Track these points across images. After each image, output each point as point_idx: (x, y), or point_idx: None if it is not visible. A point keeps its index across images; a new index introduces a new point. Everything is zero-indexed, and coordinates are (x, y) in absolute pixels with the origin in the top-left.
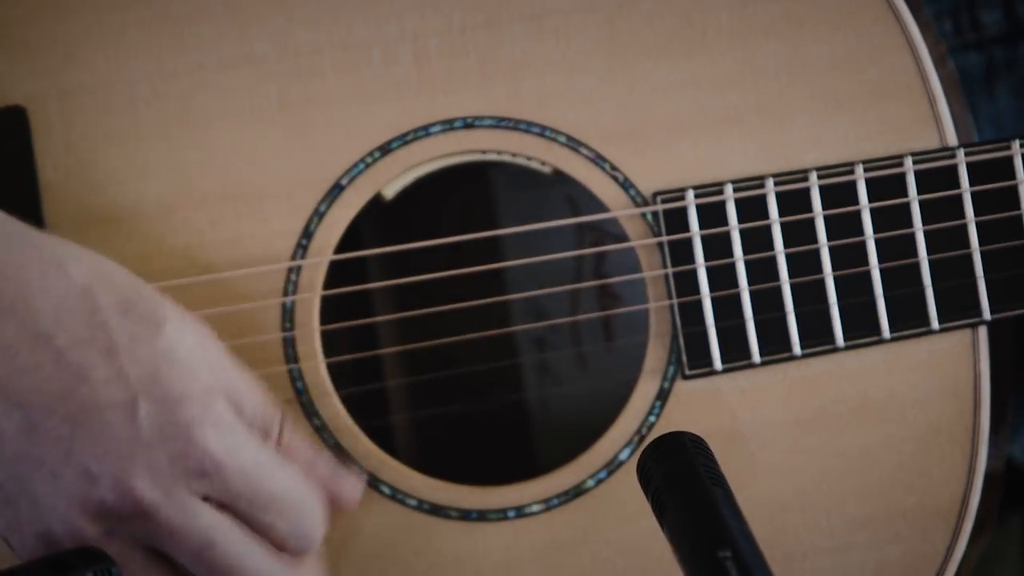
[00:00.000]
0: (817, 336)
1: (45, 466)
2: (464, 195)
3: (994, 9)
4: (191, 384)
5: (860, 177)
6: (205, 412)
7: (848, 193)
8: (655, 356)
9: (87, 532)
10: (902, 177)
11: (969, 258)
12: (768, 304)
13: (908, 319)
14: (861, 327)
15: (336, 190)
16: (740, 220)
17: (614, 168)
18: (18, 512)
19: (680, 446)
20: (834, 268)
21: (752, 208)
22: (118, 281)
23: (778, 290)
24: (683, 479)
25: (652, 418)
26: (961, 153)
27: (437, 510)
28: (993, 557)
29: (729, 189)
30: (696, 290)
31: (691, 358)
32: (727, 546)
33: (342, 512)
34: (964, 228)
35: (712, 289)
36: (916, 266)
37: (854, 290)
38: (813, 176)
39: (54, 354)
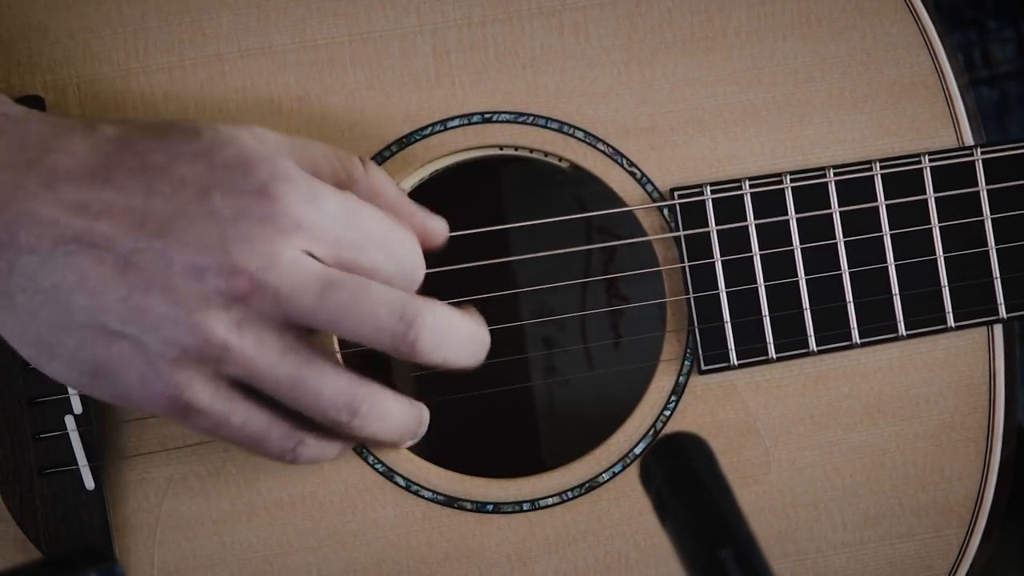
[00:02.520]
0: (833, 332)
1: (154, 287)
2: (478, 192)
3: (1006, 44)
4: (249, 153)
5: (877, 174)
6: (274, 172)
7: (865, 190)
8: (671, 351)
9: (217, 329)
10: (919, 174)
11: (986, 256)
12: (785, 300)
13: (924, 316)
14: (877, 324)
15: None
16: (757, 216)
17: (631, 164)
18: (148, 351)
19: (681, 447)
20: (851, 265)
21: (769, 204)
22: (144, 121)
23: (795, 286)
24: (684, 479)
25: (667, 412)
26: (978, 151)
27: (452, 502)
28: (995, 557)
29: (746, 185)
30: (713, 285)
31: (707, 353)
32: (728, 546)
33: (433, 246)
34: (981, 226)
35: (729, 284)
36: (933, 263)
37: (871, 287)
38: (830, 173)
39: (118, 190)
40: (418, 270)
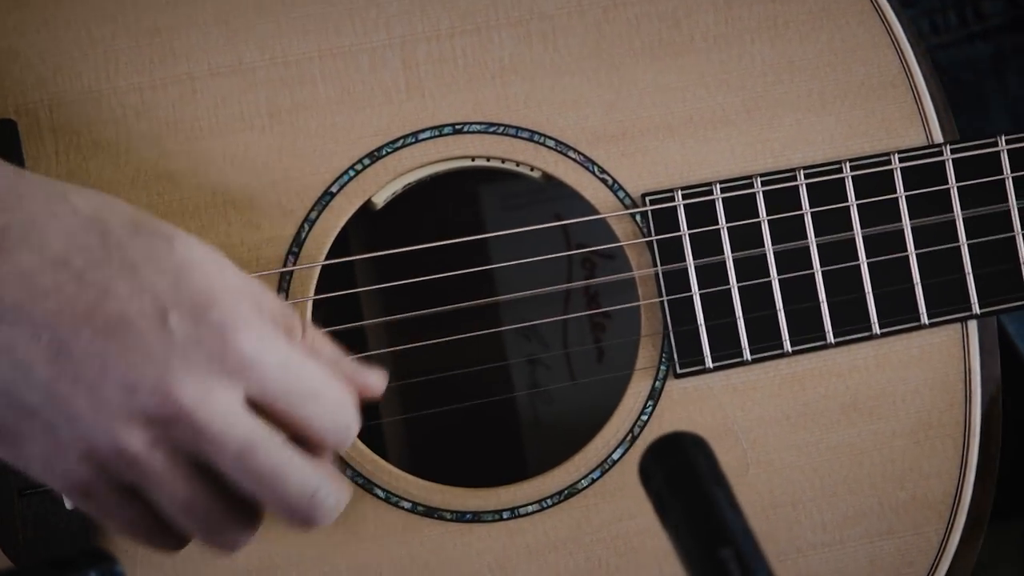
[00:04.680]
0: (807, 332)
1: (81, 382)
2: (453, 205)
3: None
4: (216, 287)
5: (848, 175)
6: (235, 313)
7: (836, 191)
8: (646, 356)
9: (131, 443)
10: (890, 174)
11: (958, 252)
12: (758, 301)
13: (898, 314)
14: (851, 323)
15: (327, 197)
16: (729, 219)
17: (602, 171)
18: (58, 437)
19: (681, 446)
20: (823, 265)
21: (741, 207)
22: (121, 206)
23: (768, 287)
24: (684, 479)
25: (644, 417)
26: (947, 150)
27: (431, 512)
28: (994, 560)
29: (717, 189)
30: (686, 288)
31: (682, 356)
32: (729, 545)
33: (371, 399)
34: (952, 223)
35: (702, 287)
36: (905, 261)
37: (843, 286)
38: (800, 175)
39: (74, 275)
40: (352, 427)
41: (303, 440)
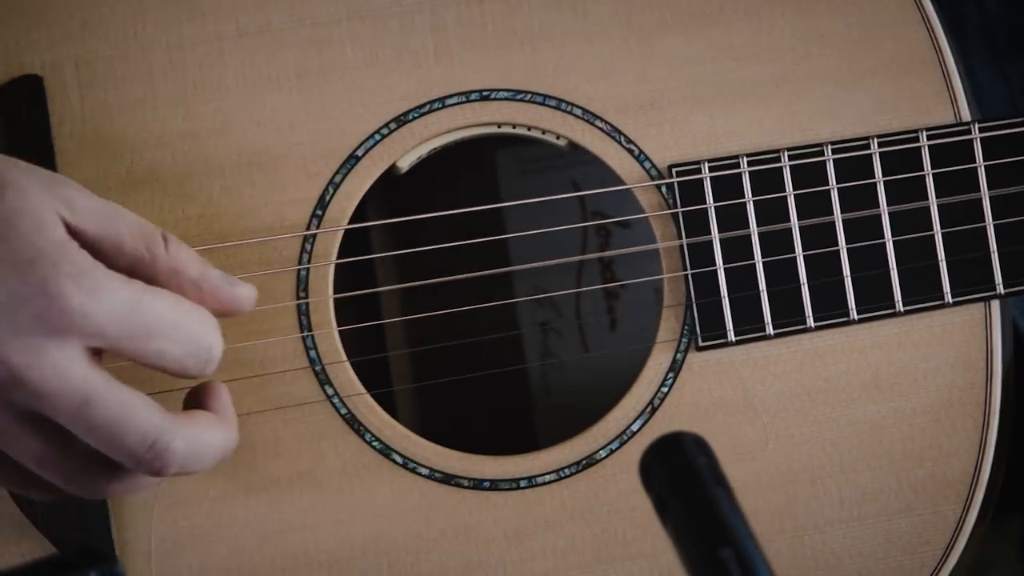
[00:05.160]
0: (830, 308)
1: None
2: (471, 170)
3: None
4: (38, 241)
5: (875, 151)
6: (58, 266)
7: (863, 166)
8: (668, 328)
9: None
10: (917, 151)
11: (983, 231)
12: (782, 276)
13: (921, 292)
14: (874, 299)
15: (352, 161)
16: (755, 193)
17: (629, 141)
18: None
19: (682, 446)
20: (848, 241)
21: (767, 181)
22: None
23: (792, 262)
24: (685, 479)
25: (664, 389)
26: (976, 128)
27: (448, 479)
28: (992, 558)
29: (744, 162)
30: (710, 262)
31: (704, 328)
32: (729, 545)
33: (238, 315)
34: (979, 202)
35: (726, 261)
36: (931, 239)
37: (868, 262)
38: (828, 150)
39: None
40: (213, 349)
41: (162, 371)
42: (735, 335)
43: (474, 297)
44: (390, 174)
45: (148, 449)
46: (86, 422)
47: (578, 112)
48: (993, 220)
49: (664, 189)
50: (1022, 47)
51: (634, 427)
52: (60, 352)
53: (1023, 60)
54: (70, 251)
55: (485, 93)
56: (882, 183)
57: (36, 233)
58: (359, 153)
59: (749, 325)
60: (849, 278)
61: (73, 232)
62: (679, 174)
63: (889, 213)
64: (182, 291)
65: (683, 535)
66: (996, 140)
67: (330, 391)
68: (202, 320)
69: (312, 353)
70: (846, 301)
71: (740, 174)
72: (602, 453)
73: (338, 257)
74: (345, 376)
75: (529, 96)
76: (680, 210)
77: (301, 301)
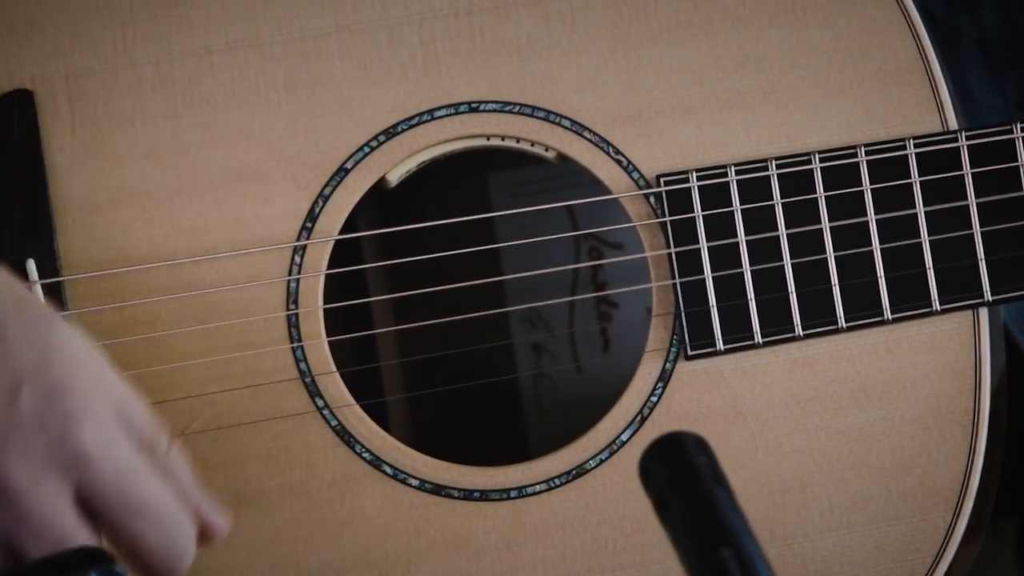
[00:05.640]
0: (819, 316)
1: None
2: (463, 191)
3: None
4: (77, 377)
5: (862, 159)
6: (86, 407)
7: (850, 175)
8: (657, 337)
9: None
10: (904, 160)
11: (971, 239)
12: (770, 285)
13: (909, 300)
14: (862, 308)
15: (341, 173)
16: (743, 202)
17: (617, 152)
18: None
19: (682, 446)
20: (836, 249)
21: (755, 190)
22: (14, 283)
23: (780, 270)
24: (685, 478)
25: (654, 399)
26: (963, 136)
27: (439, 490)
28: (988, 562)
29: (732, 171)
30: (699, 270)
31: (693, 338)
32: (729, 545)
33: (209, 542)
34: (966, 209)
35: (715, 270)
36: (918, 247)
37: (856, 271)
38: (816, 159)
39: None
40: (185, 558)
41: (132, 558)
42: (724, 344)
43: (465, 311)
44: (381, 190)
45: None
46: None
47: (566, 123)
48: (980, 228)
49: (652, 199)
50: (1018, 62)
51: (624, 437)
52: (56, 487)
53: (1020, 75)
54: (100, 400)
55: (474, 105)
56: (869, 191)
57: (76, 369)
58: (348, 165)
59: (738, 334)
60: (837, 286)
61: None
62: (667, 184)
63: (877, 221)
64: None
65: (683, 535)
66: (983, 148)
67: (320, 403)
68: (185, 524)
69: (302, 365)
70: (834, 309)
71: (728, 183)
72: (592, 463)
73: (328, 270)
74: (335, 387)
75: (518, 108)
76: (668, 219)
77: (291, 312)
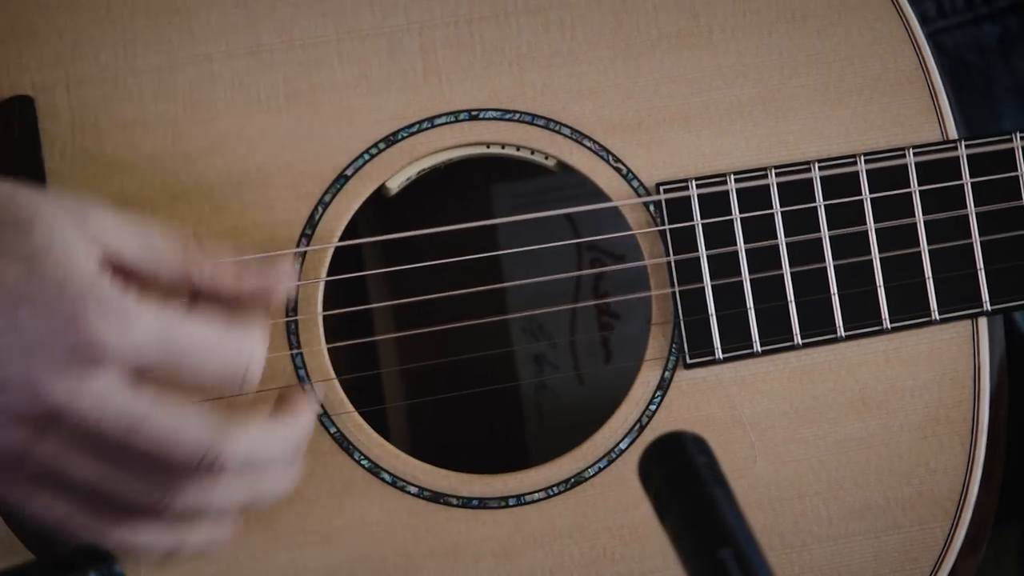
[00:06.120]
0: (818, 325)
1: None
2: (464, 199)
3: None
4: (67, 275)
5: (862, 169)
6: (85, 300)
7: (850, 184)
8: (656, 346)
9: (16, 441)
10: (904, 169)
11: (970, 249)
12: (770, 293)
13: (909, 309)
14: (862, 317)
15: (341, 180)
16: (742, 210)
17: (617, 160)
18: None
19: (681, 446)
20: (835, 258)
21: (754, 199)
22: None
23: (780, 279)
24: (684, 478)
25: (652, 407)
26: (962, 145)
27: (437, 497)
28: (992, 564)
29: (731, 180)
30: (698, 279)
31: (692, 347)
32: (729, 545)
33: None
34: (965, 219)
35: (714, 278)
36: (917, 256)
37: (855, 280)
38: (815, 167)
39: None
40: (250, 367)
41: (200, 392)
42: (723, 353)
43: (465, 318)
44: (381, 198)
45: (203, 459)
46: (136, 445)
47: (566, 131)
48: (980, 237)
49: (652, 207)
50: None
51: (622, 445)
52: (98, 382)
53: None
54: (98, 284)
55: (474, 113)
56: (869, 200)
57: (64, 268)
58: (348, 173)
59: (737, 343)
60: (836, 295)
61: (108, 260)
62: (667, 192)
63: (876, 230)
64: (222, 294)
65: (682, 535)
66: (982, 157)
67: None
68: (238, 338)
69: (301, 371)
70: (833, 319)
71: (727, 192)
72: (591, 471)
73: (330, 276)
74: (334, 395)
75: (518, 116)
76: (667, 227)
77: (290, 319)
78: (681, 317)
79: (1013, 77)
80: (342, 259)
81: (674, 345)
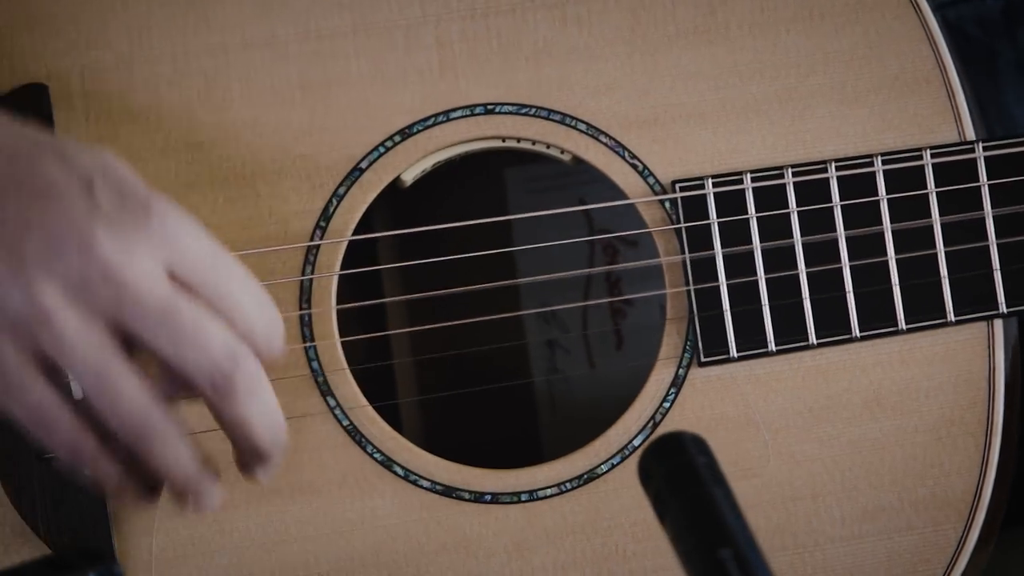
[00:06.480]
0: (833, 326)
1: (3, 244)
2: (477, 186)
3: None
4: (139, 184)
5: (879, 169)
6: (157, 197)
7: (867, 184)
8: (671, 343)
9: (47, 299)
10: (921, 170)
11: (987, 251)
12: (785, 292)
13: (924, 311)
14: (877, 317)
15: (356, 173)
16: (758, 209)
17: (633, 156)
18: None
19: (681, 446)
20: (851, 258)
21: (770, 197)
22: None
23: (795, 278)
24: (684, 478)
25: (666, 404)
26: (980, 147)
27: (450, 492)
28: (999, 569)
29: (748, 178)
30: (713, 277)
31: (707, 345)
32: (728, 545)
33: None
34: (982, 221)
35: (729, 277)
36: (933, 257)
37: (871, 280)
38: (832, 167)
39: (5, 156)
40: (280, 329)
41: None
42: (737, 351)
43: (479, 312)
44: (395, 189)
45: (229, 357)
46: (169, 329)
47: (582, 127)
48: (996, 239)
49: (668, 204)
50: None
51: (635, 442)
52: (149, 258)
53: None
54: (157, 196)
55: (490, 107)
56: (885, 201)
57: (136, 181)
58: (363, 165)
59: (751, 341)
60: (852, 296)
61: None
62: (683, 189)
63: (892, 231)
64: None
65: (682, 535)
66: (1000, 159)
67: (332, 402)
68: (273, 303)
69: (314, 364)
70: (849, 319)
71: (744, 190)
72: (603, 467)
73: (342, 269)
74: (347, 388)
75: (534, 110)
76: (683, 225)
77: (303, 312)
78: (696, 315)
79: (1016, 51)
80: (356, 248)
81: (688, 343)
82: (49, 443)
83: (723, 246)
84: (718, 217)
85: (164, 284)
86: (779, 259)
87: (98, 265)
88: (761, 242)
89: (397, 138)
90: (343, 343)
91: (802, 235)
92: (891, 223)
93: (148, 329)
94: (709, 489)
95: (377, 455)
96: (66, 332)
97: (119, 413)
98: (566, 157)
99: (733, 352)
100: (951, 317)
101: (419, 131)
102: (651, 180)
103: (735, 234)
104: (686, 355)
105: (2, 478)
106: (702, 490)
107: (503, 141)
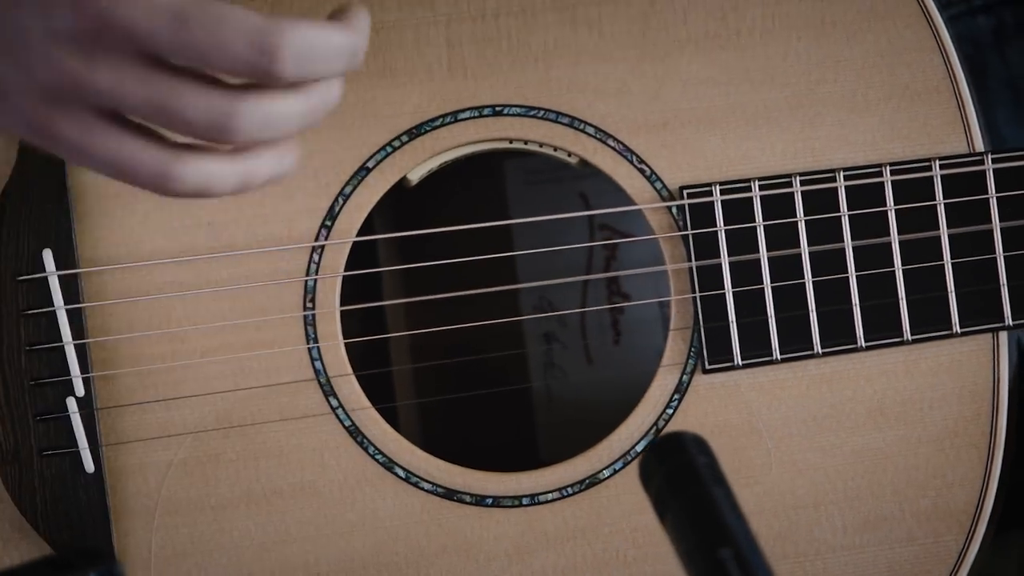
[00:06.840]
0: (838, 335)
1: (3, 32)
2: (479, 179)
3: None
4: None
5: (887, 179)
6: None
7: (875, 194)
8: (675, 349)
9: (68, 65)
10: (929, 180)
11: (994, 263)
12: (790, 301)
13: (930, 322)
14: (882, 327)
15: (362, 172)
16: (766, 217)
17: (641, 161)
18: (4, 88)
19: (681, 446)
20: (858, 268)
21: (778, 205)
22: None
23: (801, 287)
24: (684, 479)
25: (670, 411)
26: (989, 159)
27: (451, 494)
28: (992, 574)
29: (756, 186)
30: (719, 285)
31: (711, 352)
32: (728, 545)
33: None
34: (990, 233)
35: (735, 285)
36: (940, 269)
37: (877, 291)
38: (840, 176)
39: None
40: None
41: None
42: (742, 359)
43: (480, 311)
44: (400, 186)
45: (260, 51)
46: (187, 41)
47: (591, 130)
48: (1004, 252)
49: (675, 211)
50: None
51: (638, 447)
52: None
53: None
54: None
55: (498, 108)
56: (893, 211)
57: None
58: (370, 165)
59: (756, 350)
60: (858, 306)
61: None
62: (690, 196)
63: (899, 242)
64: None
65: (682, 535)
66: (1009, 172)
67: (334, 403)
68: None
69: (317, 364)
70: (854, 328)
71: (751, 198)
72: (605, 472)
73: (346, 268)
74: (350, 388)
75: (542, 112)
76: (690, 232)
77: (308, 312)
78: (701, 323)
79: (1006, 69)
80: (360, 246)
81: (693, 349)
82: (141, 182)
83: (730, 254)
84: (725, 224)
85: (162, 2)
86: (785, 267)
87: (93, 17)
88: (768, 250)
89: (404, 138)
90: (350, 345)
91: (809, 244)
92: (898, 233)
93: (172, 53)
94: (709, 489)
95: (379, 456)
96: (103, 86)
97: (193, 123)
98: (573, 160)
99: (738, 360)
100: (957, 328)
101: (427, 131)
102: (658, 185)
103: (742, 242)
104: (690, 361)
105: (2, 473)
106: (702, 490)
107: (510, 143)
